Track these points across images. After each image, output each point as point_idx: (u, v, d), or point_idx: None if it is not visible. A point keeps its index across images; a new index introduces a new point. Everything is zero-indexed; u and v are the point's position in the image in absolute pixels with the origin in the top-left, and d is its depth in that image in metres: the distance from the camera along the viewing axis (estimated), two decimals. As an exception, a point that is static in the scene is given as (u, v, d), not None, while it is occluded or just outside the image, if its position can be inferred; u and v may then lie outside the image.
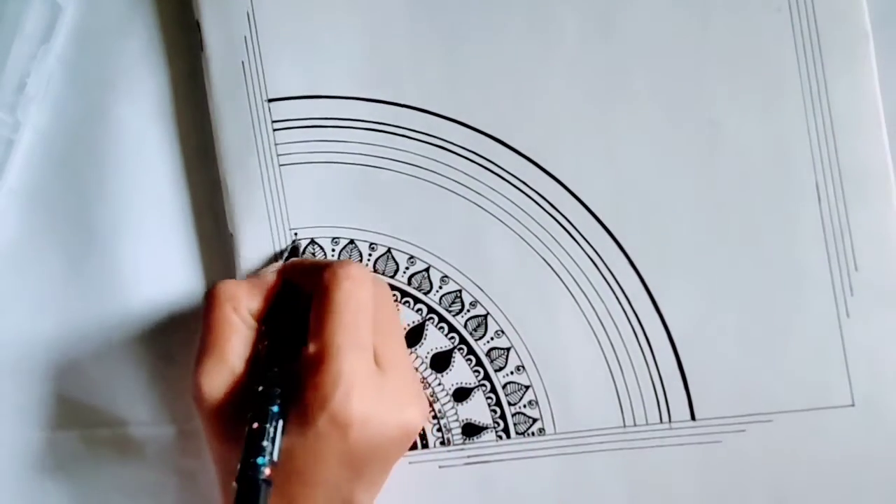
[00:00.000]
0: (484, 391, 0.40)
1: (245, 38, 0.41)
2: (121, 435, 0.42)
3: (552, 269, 0.40)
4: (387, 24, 0.40)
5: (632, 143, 0.39)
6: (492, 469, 0.40)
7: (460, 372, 0.40)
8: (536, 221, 0.40)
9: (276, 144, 0.41)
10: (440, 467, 0.40)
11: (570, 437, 0.40)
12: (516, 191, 0.40)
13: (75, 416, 0.42)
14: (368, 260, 0.41)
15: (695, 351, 0.39)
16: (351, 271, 0.36)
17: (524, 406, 0.40)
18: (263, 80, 0.41)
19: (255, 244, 0.41)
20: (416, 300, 0.41)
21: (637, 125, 0.39)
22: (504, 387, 0.40)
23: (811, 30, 0.38)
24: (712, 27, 0.38)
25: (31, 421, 0.43)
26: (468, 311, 0.40)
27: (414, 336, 0.41)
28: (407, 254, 0.40)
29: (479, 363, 0.40)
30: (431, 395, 0.40)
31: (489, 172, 0.40)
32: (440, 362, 0.40)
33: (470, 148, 0.40)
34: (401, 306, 0.41)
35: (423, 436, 0.40)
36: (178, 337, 0.41)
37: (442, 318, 0.40)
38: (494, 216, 0.40)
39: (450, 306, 0.40)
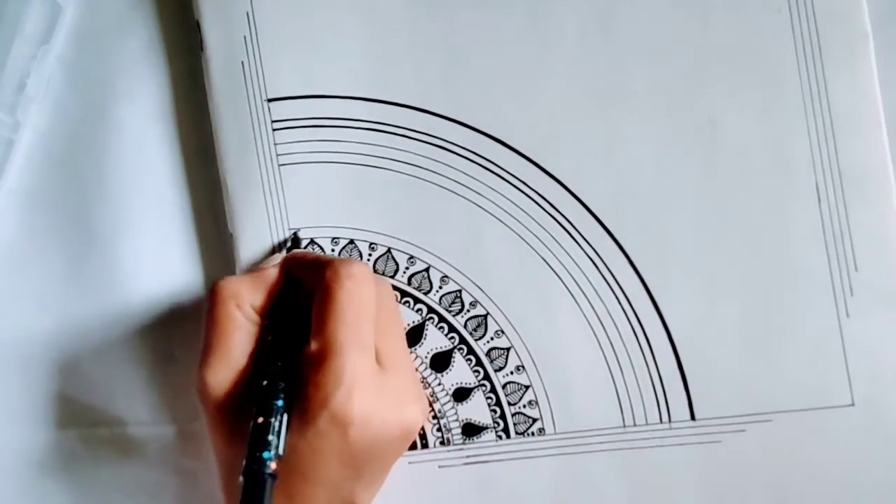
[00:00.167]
0: (484, 391, 0.40)
1: (245, 38, 0.41)
2: (120, 434, 0.42)
3: (552, 269, 0.40)
4: (386, 24, 0.40)
5: (631, 143, 0.39)
6: (491, 469, 0.40)
7: (460, 372, 0.40)
8: (536, 221, 0.40)
9: (275, 144, 0.41)
10: (440, 467, 0.40)
11: (570, 437, 0.40)
12: (516, 191, 0.40)
13: (75, 416, 0.42)
14: (368, 260, 0.41)
15: (695, 351, 0.39)
16: (353, 270, 0.36)
17: (524, 406, 0.40)
18: (263, 80, 0.41)
19: (255, 244, 0.41)
20: (416, 300, 0.41)
21: (637, 125, 0.39)
22: (504, 387, 0.40)
23: (811, 30, 0.38)
24: (712, 27, 0.38)
25: (30, 420, 0.42)
26: (468, 311, 0.40)
27: (414, 336, 0.41)
28: (407, 254, 0.40)
29: (479, 363, 0.40)
30: (431, 395, 0.40)
31: (489, 172, 0.40)
32: (440, 362, 0.40)
33: (470, 148, 0.40)
34: (401, 306, 0.41)
35: (422, 435, 0.40)
36: (179, 336, 0.41)
37: (442, 318, 0.40)
38: (494, 216, 0.40)
39: (450, 306, 0.40)
